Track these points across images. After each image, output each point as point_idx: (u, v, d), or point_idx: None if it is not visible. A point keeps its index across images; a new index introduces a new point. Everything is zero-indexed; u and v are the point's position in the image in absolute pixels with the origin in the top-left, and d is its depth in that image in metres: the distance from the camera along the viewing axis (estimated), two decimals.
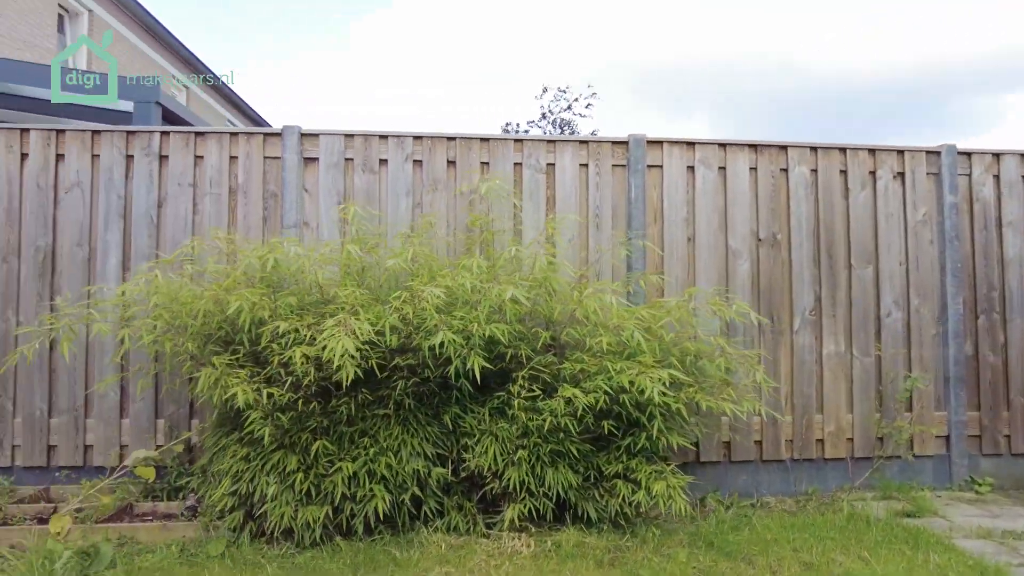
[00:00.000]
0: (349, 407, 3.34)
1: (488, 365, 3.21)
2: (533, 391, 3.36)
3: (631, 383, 3.16)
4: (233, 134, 4.20)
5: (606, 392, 3.22)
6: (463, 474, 3.45)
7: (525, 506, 3.33)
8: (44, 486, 3.97)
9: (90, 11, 9.61)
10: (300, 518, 3.15)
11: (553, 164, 4.26)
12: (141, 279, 3.41)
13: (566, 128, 15.87)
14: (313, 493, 3.23)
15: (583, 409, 3.26)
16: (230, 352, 3.35)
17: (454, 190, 4.19)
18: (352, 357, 2.96)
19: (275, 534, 3.23)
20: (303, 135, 4.19)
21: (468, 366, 3.11)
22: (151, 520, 3.50)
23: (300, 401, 3.23)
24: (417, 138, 4.23)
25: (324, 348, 2.81)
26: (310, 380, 3.10)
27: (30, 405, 4.04)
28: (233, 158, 4.19)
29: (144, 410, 4.06)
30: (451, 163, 4.23)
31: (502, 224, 4.12)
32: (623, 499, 3.38)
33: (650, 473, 3.37)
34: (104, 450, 4.03)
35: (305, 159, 4.20)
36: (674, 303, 3.56)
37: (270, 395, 3.07)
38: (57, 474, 4.01)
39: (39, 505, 3.71)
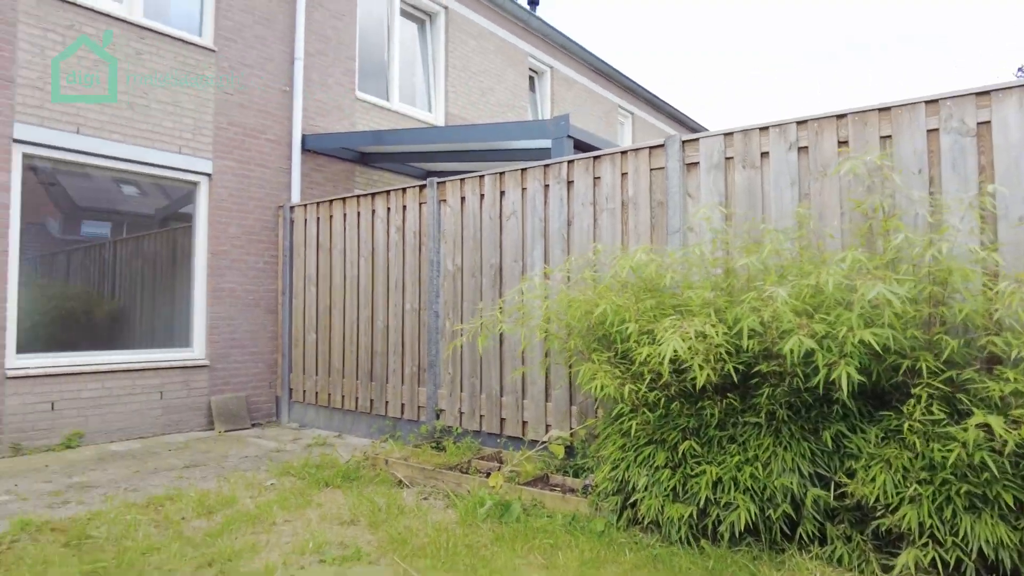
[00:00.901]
0: (715, 411, 3.31)
1: (861, 378, 2.74)
2: (935, 414, 2.70)
3: None
4: (623, 152, 4.60)
5: None
6: (848, 501, 3.00)
7: (926, 554, 2.70)
8: (498, 449, 5.08)
9: (551, 68, 11.71)
10: (666, 513, 3.26)
11: (987, 122, 3.30)
12: (523, 287, 4.06)
13: None
14: (679, 491, 3.30)
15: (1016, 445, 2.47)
16: (609, 350, 3.71)
17: (847, 174, 3.67)
18: (712, 360, 2.95)
19: (647, 523, 3.43)
20: (684, 142, 4.30)
21: (833, 377, 2.71)
22: (558, 491, 4.12)
23: (663, 400, 3.35)
24: (801, 123, 3.86)
25: (665, 348, 2.87)
26: (666, 380, 3.19)
27: (489, 386, 5.24)
28: (624, 174, 4.59)
29: (562, 397, 4.79)
30: (843, 143, 3.72)
31: (910, 208, 3.41)
32: None
33: None
34: (535, 426, 4.91)
35: (687, 165, 4.30)
36: None
37: (633, 391, 3.29)
38: (499, 440, 5.08)
39: (491, 463, 4.77)
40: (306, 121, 7.53)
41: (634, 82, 13.48)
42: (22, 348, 5.43)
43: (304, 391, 6.93)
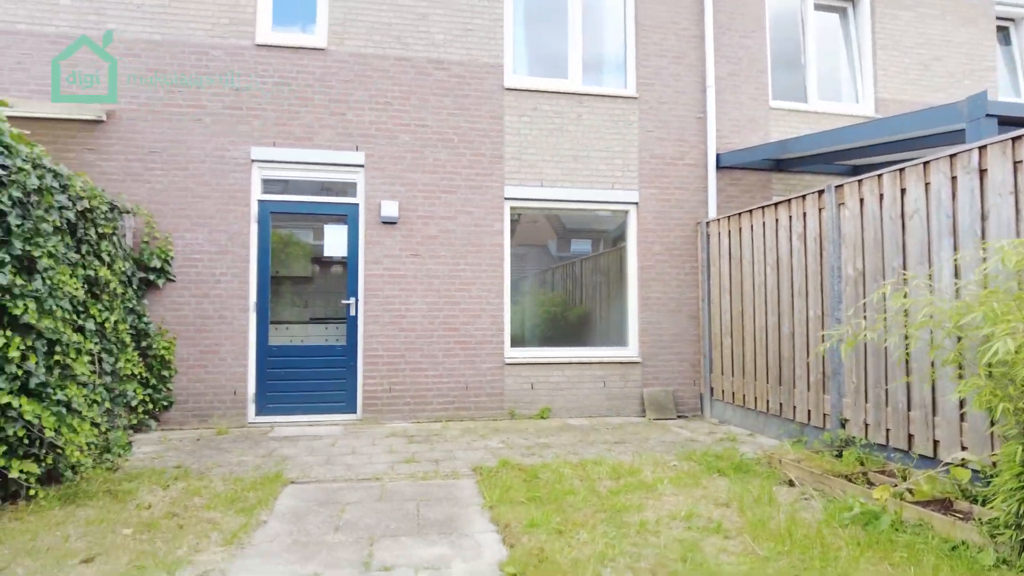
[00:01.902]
0: None
1: None
2: None
3: None
4: None
5: None
6: None
7: None
8: (904, 466, 4.75)
9: None
10: None
11: None
12: (879, 294, 3.80)
13: None
14: None
15: None
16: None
17: None
18: None
19: None
20: None
21: None
22: (953, 516, 3.76)
23: None
24: None
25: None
26: None
27: (895, 398, 4.94)
28: None
29: (980, 416, 4.23)
30: None
31: None
32: None
33: None
34: (947, 446, 4.45)
35: None
36: None
37: (1007, 409, 2.93)
38: (905, 456, 4.72)
39: (888, 478, 4.54)
40: (720, 140, 8.15)
41: None
42: (513, 343, 7.64)
43: (723, 390, 7.55)
